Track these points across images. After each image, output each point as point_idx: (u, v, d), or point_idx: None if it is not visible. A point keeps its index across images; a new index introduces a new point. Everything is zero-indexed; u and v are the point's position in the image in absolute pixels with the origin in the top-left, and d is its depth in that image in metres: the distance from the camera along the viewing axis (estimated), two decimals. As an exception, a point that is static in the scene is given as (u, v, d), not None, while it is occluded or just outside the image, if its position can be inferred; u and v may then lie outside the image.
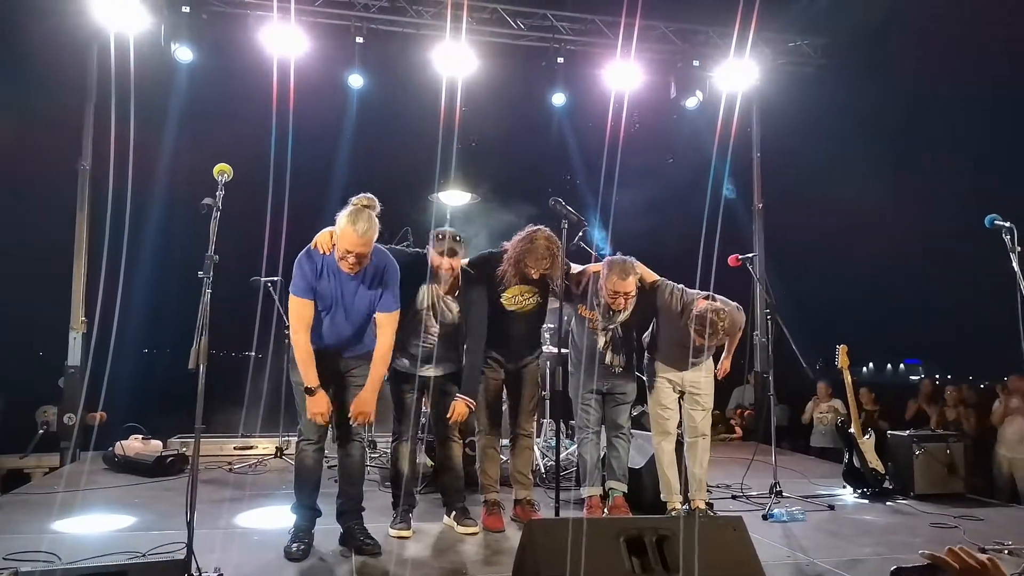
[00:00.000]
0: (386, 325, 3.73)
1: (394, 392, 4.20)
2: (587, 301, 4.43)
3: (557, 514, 3.97)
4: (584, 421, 4.51)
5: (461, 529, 4.17)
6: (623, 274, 4.21)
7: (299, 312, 3.64)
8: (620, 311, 4.35)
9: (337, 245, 3.54)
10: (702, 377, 4.57)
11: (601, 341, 4.40)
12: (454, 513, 4.27)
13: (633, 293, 4.28)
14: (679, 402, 4.60)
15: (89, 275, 6.73)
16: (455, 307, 4.14)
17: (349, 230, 3.45)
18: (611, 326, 4.38)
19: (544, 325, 5.99)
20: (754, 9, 6.71)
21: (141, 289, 6.72)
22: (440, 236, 4.01)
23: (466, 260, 4.24)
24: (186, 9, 6.90)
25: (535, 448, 5.06)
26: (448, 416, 4.06)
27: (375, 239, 3.57)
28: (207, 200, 3.23)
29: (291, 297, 3.67)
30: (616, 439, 4.54)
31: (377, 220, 3.57)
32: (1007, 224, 3.76)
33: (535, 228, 4.17)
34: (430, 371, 4.18)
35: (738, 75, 7.96)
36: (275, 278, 5.78)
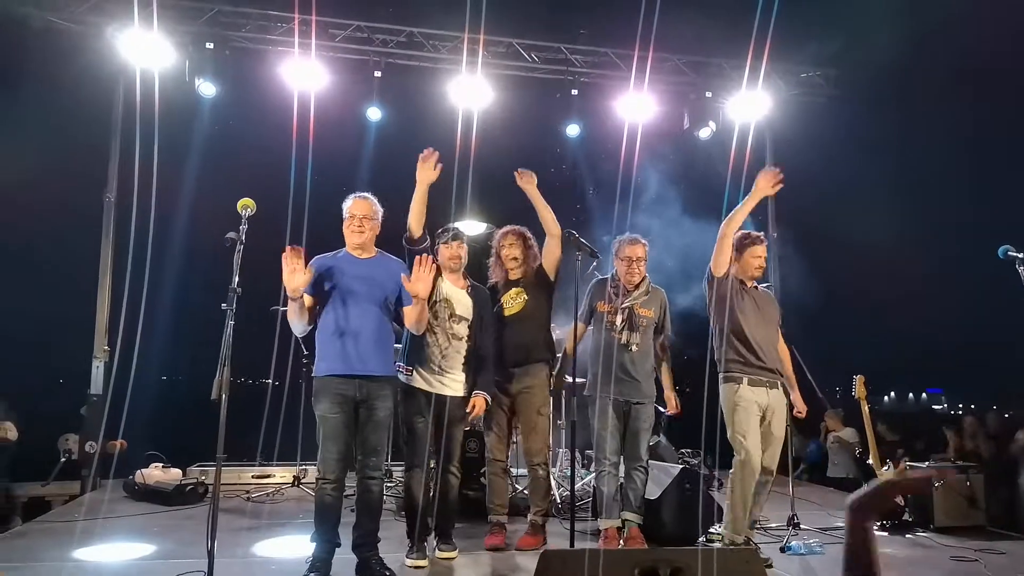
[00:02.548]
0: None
1: (407, 418, 4.23)
2: (604, 296, 4.58)
3: (572, 545, 3.97)
4: (602, 452, 4.48)
5: (440, 554, 4.24)
6: (633, 241, 4.59)
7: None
8: (634, 290, 4.53)
9: (345, 220, 3.92)
10: (781, 402, 4.38)
11: (618, 319, 4.49)
12: (438, 539, 4.32)
13: (644, 258, 4.58)
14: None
15: (112, 304, 6.86)
16: (468, 300, 4.34)
17: (354, 199, 3.95)
18: (625, 305, 4.50)
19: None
20: (766, 41, 6.78)
21: (162, 318, 6.82)
22: (441, 231, 4.43)
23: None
24: (210, 46, 7.11)
25: (551, 478, 5.04)
26: (469, 412, 4.24)
27: (375, 210, 3.98)
28: (231, 234, 3.32)
29: None
30: (635, 471, 4.52)
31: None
32: (1020, 255, 3.76)
33: None
34: (446, 387, 4.23)
35: (751, 106, 8.04)
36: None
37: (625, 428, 4.51)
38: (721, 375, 4.41)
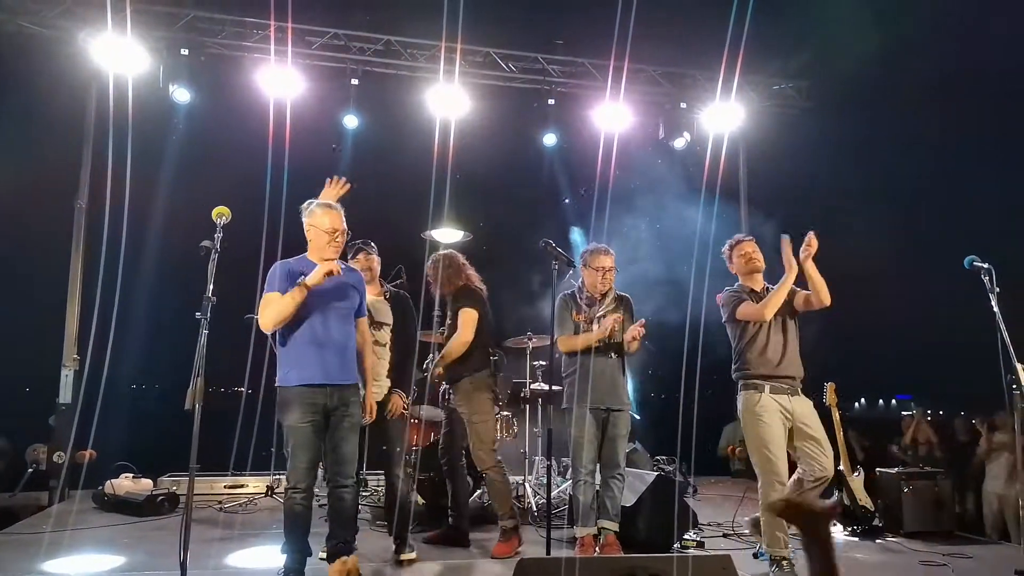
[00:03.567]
0: (364, 328, 4.00)
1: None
2: (578, 308, 4.61)
3: (548, 553, 3.98)
4: (579, 461, 4.45)
5: (402, 556, 4.30)
6: (605, 252, 4.64)
7: (268, 299, 3.63)
8: (605, 299, 4.61)
9: (321, 233, 3.74)
10: (809, 409, 4.35)
11: (595, 328, 4.51)
12: (396, 544, 4.38)
13: (614, 268, 4.64)
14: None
15: (83, 312, 6.75)
16: (385, 307, 4.57)
17: (330, 212, 3.79)
18: (600, 313, 4.55)
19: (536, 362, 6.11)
20: (739, 53, 6.90)
21: (134, 326, 6.72)
22: (350, 245, 4.62)
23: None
24: (185, 51, 7.06)
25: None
26: (389, 412, 4.36)
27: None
28: (205, 243, 3.30)
29: (264, 296, 3.65)
30: (612, 480, 4.50)
31: None
32: (985, 265, 3.86)
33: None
34: (372, 394, 4.28)
35: (725, 117, 8.15)
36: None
37: (603, 436, 4.52)
38: (740, 384, 4.36)
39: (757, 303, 4.34)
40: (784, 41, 7.82)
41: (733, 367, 4.44)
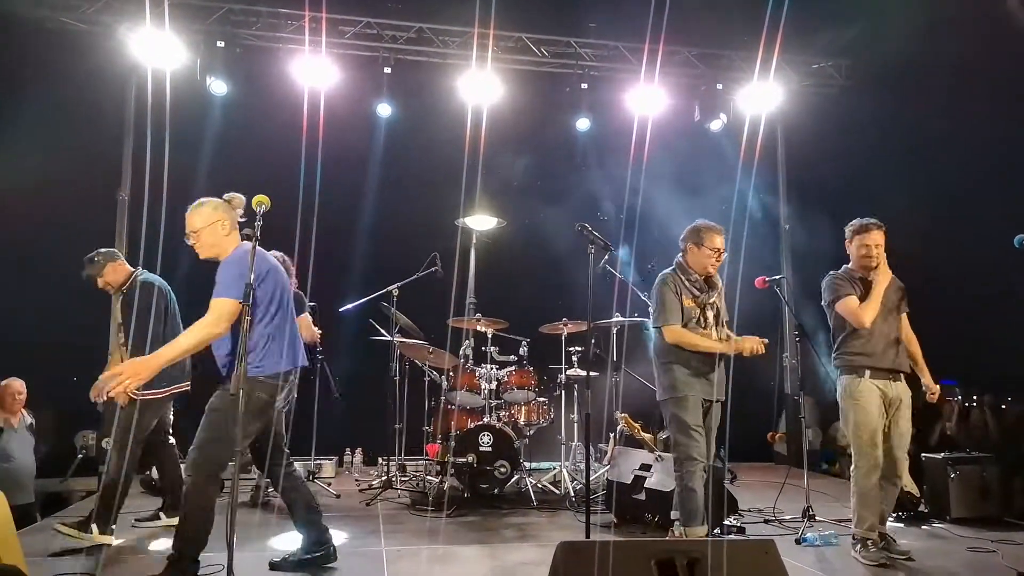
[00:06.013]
0: (209, 311, 3.42)
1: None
2: (687, 291, 4.23)
3: (588, 537, 3.98)
4: (696, 451, 4.12)
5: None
6: (720, 232, 4.26)
7: None
8: (713, 283, 4.30)
9: None
10: (906, 394, 4.28)
11: (710, 315, 4.23)
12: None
13: (725, 250, 4.29)
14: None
15: (127, 301, 6.90)
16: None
17: None
18: (711, 300, 4.25)
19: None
20: (777, 32, 6.75)
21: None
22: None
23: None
24: (221, 44, 7.16)
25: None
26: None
27: (204, 218, 3.53)
28: (246, 231, 3.34)
29: None
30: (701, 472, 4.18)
31: (220, 205, 3.57)
32: (1037, 244, 3.72)
33: None
34: None
35: (762, 98, 8.00)
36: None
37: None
38: (841, 368, 4.33)
39: (863, 295, 4.26)
40: (822, 19, 7.62)
41: (834, 351, 4.38)
